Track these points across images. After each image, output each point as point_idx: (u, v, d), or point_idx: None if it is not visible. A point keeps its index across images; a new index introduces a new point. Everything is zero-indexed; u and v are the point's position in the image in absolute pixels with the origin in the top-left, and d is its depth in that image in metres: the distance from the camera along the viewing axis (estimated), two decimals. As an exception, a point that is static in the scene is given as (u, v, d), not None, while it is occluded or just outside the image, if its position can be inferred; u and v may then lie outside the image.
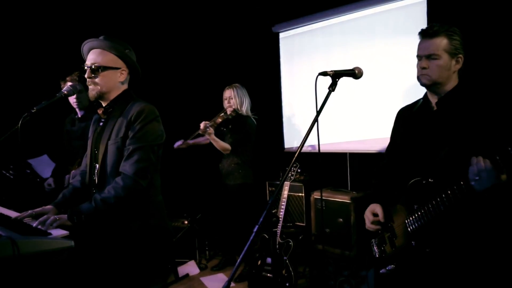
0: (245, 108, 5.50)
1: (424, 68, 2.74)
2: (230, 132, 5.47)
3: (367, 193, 5.02)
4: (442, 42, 2.68)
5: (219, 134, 5.40)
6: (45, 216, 2.64)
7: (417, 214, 2.69)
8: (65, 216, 2.66)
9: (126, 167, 2.78)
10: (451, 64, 2.69)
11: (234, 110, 5.42)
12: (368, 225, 3.02)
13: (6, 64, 5.56)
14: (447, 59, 2.68)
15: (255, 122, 5.56)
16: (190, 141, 5.76)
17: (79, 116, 4.65)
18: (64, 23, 5.90)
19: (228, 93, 5.52)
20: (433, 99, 2.82)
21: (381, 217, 2.94)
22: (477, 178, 2.29)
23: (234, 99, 5.45)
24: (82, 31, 4.43)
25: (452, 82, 2.74)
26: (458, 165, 2.45)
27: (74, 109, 4.68)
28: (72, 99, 4.52)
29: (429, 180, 2.68)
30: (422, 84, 2.79)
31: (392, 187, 3.03)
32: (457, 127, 2.63)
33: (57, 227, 2.58)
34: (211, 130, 5.11)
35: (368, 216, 3.02)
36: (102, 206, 2.71)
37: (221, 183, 5.62)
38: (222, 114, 5.34)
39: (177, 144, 5.73)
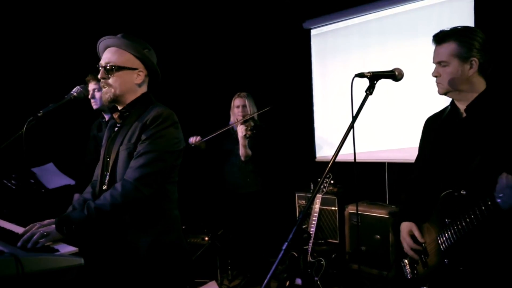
0: (256, 116, 5.61)
1: (436, 76, 2.78)
2: (253, 139, 5.52)
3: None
4: (450, 47, 2.69)
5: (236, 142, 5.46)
6: (29, 233, 2.45)
7: (450, 229, 2.68)
8: (52, 227, 2.52)
9: (129, 171, 2.71)
10: (463, 69, 2.69)
11: (251, 119, 5.49)
12: (408, 250, 2.98)
13: (11, 62, 5.58)
14: (457, 64, 2.69)
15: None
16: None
17: (106, 120, 4.59)
18: (81, 17, 5.94)
19: (240, 101, 5.59)
20: (461, 106, 2.82)
21: (419, 237, 2.93)
22: (501, 195, 2.31)
23: (248, 108, 5.55)
24: (101, 27, 4.42)
25: (477, 87, 2.74)
26: (492, 175, 2.45)
27: (101, 112, 4.64)
28: (92, 101, 4.48)
29: (462, 192, 2.67)
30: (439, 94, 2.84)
31: (422, 202, 3.02)
32: (488, 134, 2.62)
33: (64, 242, 2.47)
34: (250, 133, 5.23)
35: (406, 239, 2.98)
36: (95, 215, 2.59)
37: (236, 194, 5.64)
38: (248, 121, 5.40)
39: (194, 139, 5.66)
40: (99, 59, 2.95)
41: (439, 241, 2.77)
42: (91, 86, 4.44)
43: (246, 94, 5.62)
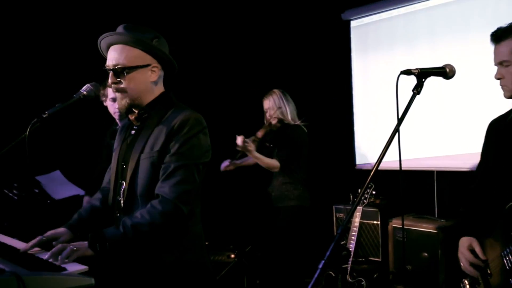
0: (290, 116, 5.44)
1: (499, 79, 2.77)
2: (277, 146, 5.46)
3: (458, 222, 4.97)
4: (510, 44, 2.69)
5: (267, 152, 5.40)
6: (59, 246, 2.49)
7: None
8: (85, 244, 2.55)
9: (166, 189, 2.67)
10: None
11: (279, 120, 5.40)
12: (467, 266, 2.93)
13: (12, 56, 5.60)
14: None
15: (306, 131, 5.51)
16: (238, 161, 5.75)
17: (120, 126, 4.52)
18: (90, 9, 6.02)
19: (265, 104, 5.50)
20: None
21: (480, 254, 2.89)
22: None
23: (272, 110, 5.40)
24: (112, 18, 4.40)
25: None
26: None
27: (114, 119, 4.59)
28: (113, 108, 4.42)
29: None
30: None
31: (484, 215, 2.99)
32: None
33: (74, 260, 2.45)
34: (251, 145, 5.06)
35: (466, 254, 2.93)
36: (132, 234, 2.60)
37: (272, 208, 5.62)
38: (265, 126, 5.34)
39: (224, 165, 5.72)
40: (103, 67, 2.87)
41: (504, 259, 2.74)
42: (110, 93, 4.35)
43: (275, 92, 5.48)
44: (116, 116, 4.49)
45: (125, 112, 2.92)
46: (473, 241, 2.94)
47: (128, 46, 2.78)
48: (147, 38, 2.81)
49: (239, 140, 5.05)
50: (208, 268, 2.97)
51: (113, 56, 2.77)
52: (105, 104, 4.51)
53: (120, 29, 2.81)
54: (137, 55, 2.78)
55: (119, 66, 2.74)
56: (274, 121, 5.33)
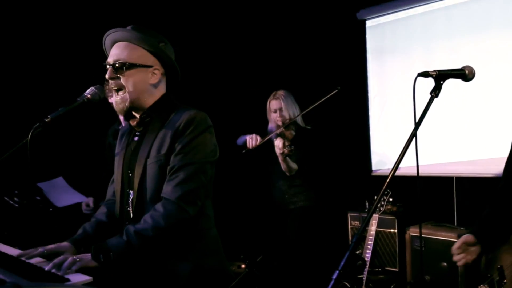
0: (300, 118, 5.57)
1: None
2: (300, 151, 5.47)
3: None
4: None
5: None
6: (61, 257, 2.49)
7: None
8: (88, 256, 2.53)
9: (169, 189, 2.66)
10: None
11: (293, 123, 5.44)
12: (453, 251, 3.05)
13: (13, 57, 5.60)
14: None
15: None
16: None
17: (124, 126, 4.36)
18: (95, 8, 6.04)
19: (276, 104, 5.52)
20: None
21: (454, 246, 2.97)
22: None
23: (286, 111, 5.47)
24: (116, 18, 4.40)
25: None
26: None
27: (118, 118, 4.60)
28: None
29: None
30: None
31: (508, 216, 2.99)
32: None
33: (77, 270, 2.43)
34: (288, 150, 5.19)
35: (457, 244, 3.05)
36: (136, 241, 2.57)
37: (282, 212, 5.62)
38: (289, 129, 5.36)
39: (251, 143, 5.43)
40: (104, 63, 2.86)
41: None
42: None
43: (284, 93, 5.54)
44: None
45: (124, 116, 2.91)
46: (469, 237, 3.02)
47: (132, 44, 2.79)
48: (153, 40, 2.81)
49: (281, 144, 5.16)
50: (228, 274, 2.96)
51: (115, 52, 2.79)
52: (110, 100, 4.39)
53: (128, 27, 2.81)
54: (140, 54, 2.79)
55: (120, 62, 2.74)
56: (287, 132, 5.39)
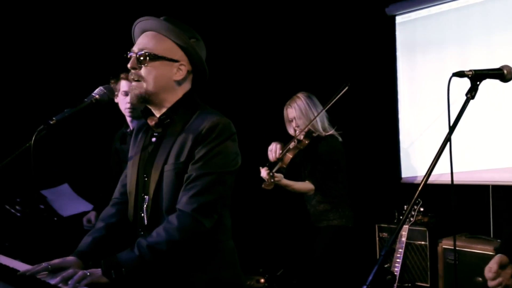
0: (321, 125, 5.24)
1: None
2: (309, 164, 5.34)
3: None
4: None
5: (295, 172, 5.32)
6: (70, 271, 2.47)
7: None
8: (98, 271, 2.50)
9: (184, 200, 2.63)
10: None
11: (307, 134, 5.28)
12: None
13: (17, 56, 5.62)
14: None
15: (341, 139, 5.31)
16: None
17: (131, 129, 4.45)
18: (96, 10, 6.04)
19: (290, 113, 5.29)
20: None
21: (490, 271, 2.95)
22: None
23: (299, 120, 5.22)
24: (133, 14, 4.39)
25: None
26: None
27: (125, 121, 4.55)
28: (125, 102, 4.36)
29: None
30: None
31: None
32: None
33: (87, 285, 2.41)
34: (279, 176, 4.96)
35: (489, 267, 3.01)
36: (149, 255, 2.55)
37: (311, 228, 5.57)
38: (292, 146, 5.18)
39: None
40: (128, 52, 2.82)
41: None
42: (123, 86, 4.36)
43: (301, 97, 5.26)
44: (126, 113, 4.47)
45: (141, 112, 2.89)
46: (503, 258, 2.97)
47: (161, 35, 2.76)
48: (185, 34, 2.78)
49: (264, 173, 4.96)
50: None
51: (141, 41, 2.76)
52: (116, 100, 4.47)
53: (161, 18, 2.78)
54: (168, 47, 2.76)
55: (145, 51, 2.70)
56: (301, 136, 5.22)
